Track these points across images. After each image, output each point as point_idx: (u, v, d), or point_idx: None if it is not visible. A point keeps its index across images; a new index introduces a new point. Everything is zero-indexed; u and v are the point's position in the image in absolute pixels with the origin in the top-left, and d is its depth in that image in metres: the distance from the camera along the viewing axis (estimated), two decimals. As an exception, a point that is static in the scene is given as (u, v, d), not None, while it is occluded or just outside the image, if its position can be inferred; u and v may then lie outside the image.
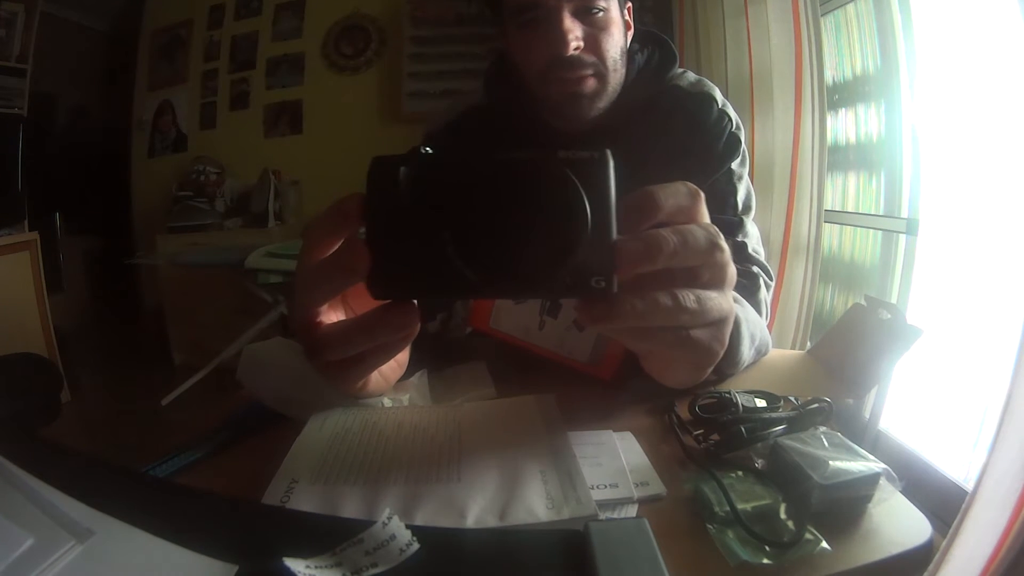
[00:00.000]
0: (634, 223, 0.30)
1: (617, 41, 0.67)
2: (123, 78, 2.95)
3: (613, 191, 0.28)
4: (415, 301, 0.32)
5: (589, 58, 0.65)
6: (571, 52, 0.63)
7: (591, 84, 0.66)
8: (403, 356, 0.43)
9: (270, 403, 0.50)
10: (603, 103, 0.68)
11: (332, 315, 0.36)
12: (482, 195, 0.27)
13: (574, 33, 0.63)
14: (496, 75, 0.76)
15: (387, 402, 0.50)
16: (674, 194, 0.31)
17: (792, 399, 0.49)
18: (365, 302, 0.35)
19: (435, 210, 0.28)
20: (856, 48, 1.44)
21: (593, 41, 0.65)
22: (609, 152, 0.28)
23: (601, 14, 0.65)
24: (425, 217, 0.28)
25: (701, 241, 0.31)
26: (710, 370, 0.36)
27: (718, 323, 0.33)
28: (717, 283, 0.32)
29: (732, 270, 0.33)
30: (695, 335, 0.32)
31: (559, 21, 0.63)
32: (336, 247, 0.32)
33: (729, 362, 0.54)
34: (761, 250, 0.75)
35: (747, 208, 0.74)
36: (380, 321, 0.32)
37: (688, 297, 0.31)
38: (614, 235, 0.28)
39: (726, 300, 0.33)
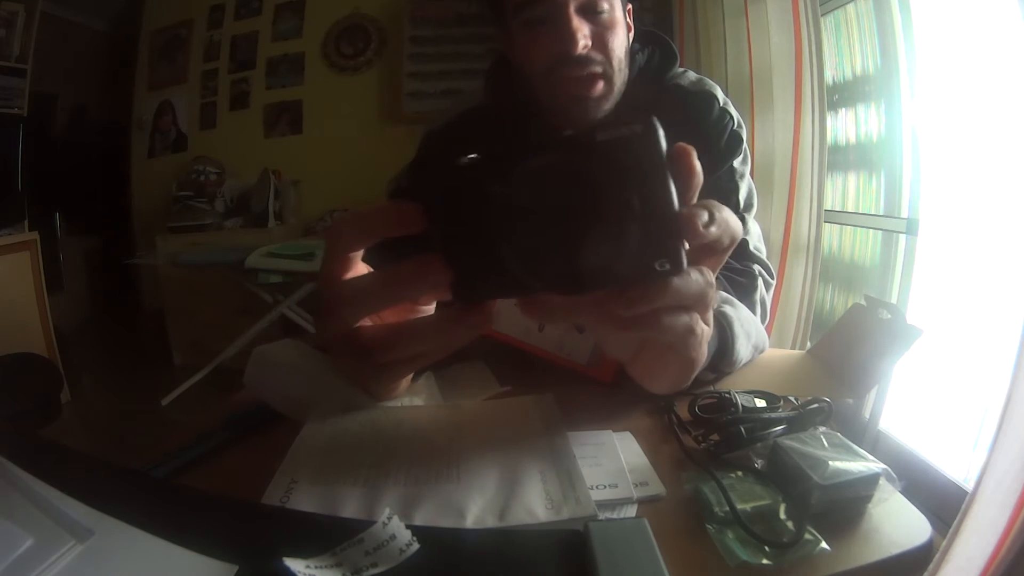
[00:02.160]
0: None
1: (622, 41, 0.67)
2: (123, 78, 2.95)
3: (664, 163, 0.26)
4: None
5: (597, 56, 0.64)
6: (580, 51, 0.62)
7: (599, 87, 0.66)
8: None
9: (277, 406, 0.49)
10: (608, 105, 0.68)
11: (369, 317, 0.35)
12: (526, 208, 0.27)
13: (582, 31, 0.62)
14: (497, 75, 0.76)
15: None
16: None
17: (792, 399, 0.49)
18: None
19: (488, 223, 0.27)
20: (856, 48, 1.44)
21: (600, 40, 0.64)
22: (655, 120, 0.26)
23: (606, 14, 0.64)
24: (483, 229, 0.27)
25: (737, 225, 0.30)
26: (694, 374, 0.36)
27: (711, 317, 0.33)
28: (715, 267, 0.32)
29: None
30: (700, 329, 0.32)
31: (567, 19, 0.62)
32: (360, 258, 0.32)
33: (727, 361, 0.54)
34: (762, 247, 0.75)
35: (748, 206, 0.74)
36: (458, 320, 0.31)
37: (711, 275, 0.30)
38: (674, 212, 0.26)
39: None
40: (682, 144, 0.27)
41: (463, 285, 0.29)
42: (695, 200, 0.28)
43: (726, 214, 0.29)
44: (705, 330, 0.32)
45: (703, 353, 0.33)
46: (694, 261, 0.29)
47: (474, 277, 0.29)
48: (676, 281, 0.28)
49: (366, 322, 0.35)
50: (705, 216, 0.27)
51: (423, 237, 0.29)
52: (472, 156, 0.28)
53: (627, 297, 0.28)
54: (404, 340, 0.33)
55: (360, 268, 0.34)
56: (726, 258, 0.32)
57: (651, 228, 0.26)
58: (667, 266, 0.27)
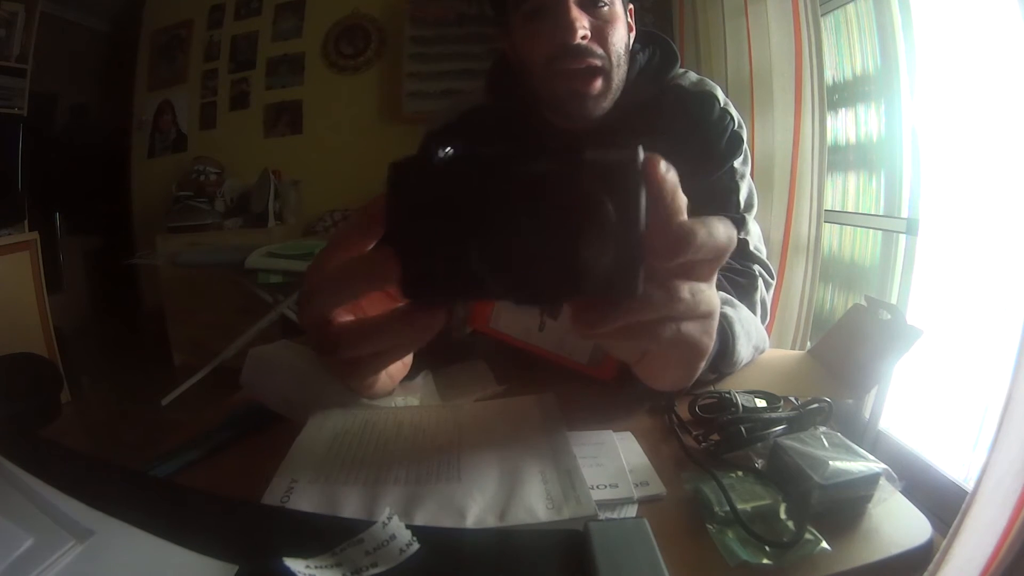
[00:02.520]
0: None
1: (621, 36, 0.67)
2: (123, 78, 2.95)
3: (642, 192, 0.27)
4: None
5: (596, 49, 0.65)
6: (578, 40, 0.63)
7: (598, 84, 0.66)
8: (409, 356, 0.43)
9: (274, 406, 0.49)
10: (607, 102, 0.68)
11: (345, 312, 0.35)
12: (506, 207, 0.27)
13: (581, 22, 0.63)
14: (498, 75, 0.76)
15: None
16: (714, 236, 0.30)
17: (792, 399, 0.49)
18: (377, 300, 0.35)
19: (460, 219, 0.27)
20: (856, 48, 1.44)
21: (599, 33, 0.65)
22: (640, 149, 0.27)
23: (606, 8, 0.65)
24: (450, 224, 0.27)
25: (723, 238, 0.30)
26: (700, 370, 0.36)
27: (708, 316, 0.33)
28: (707, 276, 0.32)
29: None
30: (685, 330, 0.32)
31: (566, 9, 0.63)
32: (359, 249, 0.33)
33: (727, 361, 0.54)
34: (762, 247, 0.75)
35: (749, 206, 0.74)
36: (406, 320, 0.31)
37: (683, 288, 0.30)
38: (641, 239, 0.27)
39: (714, 294, 0.33)
40: (650, 155, 0.28)
41: (412, 283, 0.29)
42: (669, 205, 0.29)
43: (708, 231, 0.29)
44: (694, 329, 0.32)
45: (707, 346, 0.33)
46: (685, 272, 0.30)
47: (426, 276, 0.29)
48: (640, 302, 0.29)
49: (349, 317, 0.35)
50: (673, 245, 0.28)
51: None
52: (447, 151, 0.28)
53: (584, 320, 0.29)
54: (359, 336, 0.33)
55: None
56: (721, 264, 0.32)
57: (616, 251, 0.27)
58: (623, 289, 0.28)
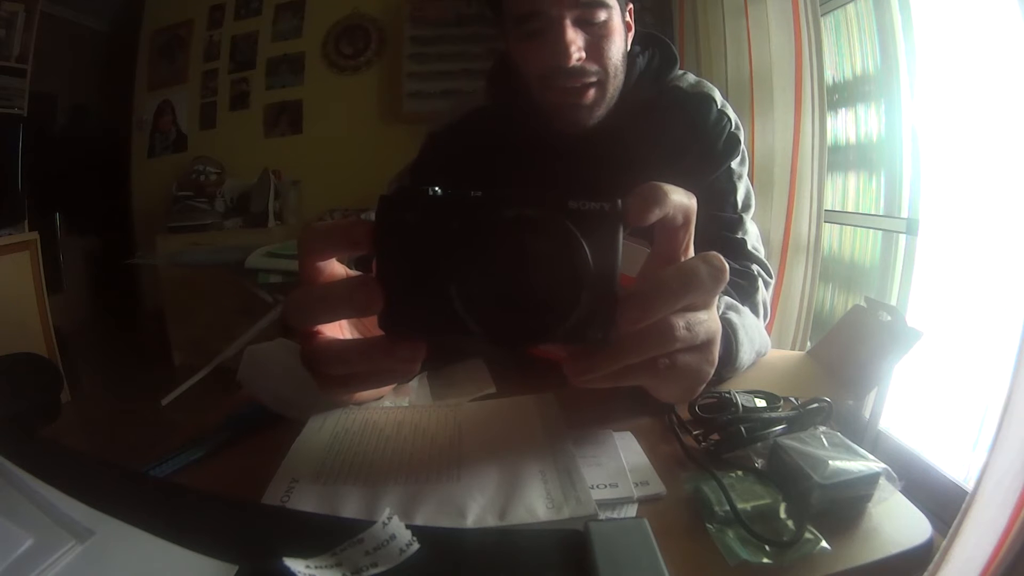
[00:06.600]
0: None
1: (618, 48, 0.67)
2: (123, 78, 2.95)
3: (620, 244, 0.28)
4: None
5: (591, 67, 0.65)
6: (573, 63, 0.63)
7: (591, 94, 0.66)
8: None
9: (270, 404, 0.50)
10: (602, 110, 0.68)
11: (333, 328, 0.35)
12: (487, 253, 0.28)
13: (576, 44, 0.63)
14: (499, 76, 0.76)
15: (388, 404, 0.50)
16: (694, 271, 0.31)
17: (792, 399, 0.49)
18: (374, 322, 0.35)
19: (442, 260, 0.28)
20: (856, 48, 1.44)
21: (595, 50, 0.65)
22: (620, 202, 0.28)
23: (603, 22, 0.65)
24: (433, 264, 0.28)
25: (705, 279, 0.30)
26: (703, 384, 0.36)
27: (707, 344, 0.33)
28: (707, 305, 0.32)
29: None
30: (684, 362, 0.32)
31: (561, 32, 0.62)
32: (336, 262, 0.33)
33: (730, 367, 0.54)
34: (760, 247, 0.75)
35: (747, 206, 0.74)
36: (385, 352, 0.31)
37: (678, 324, 0.31)
38: (617, 290, 0.28)
39: (713, 319, 0.33)
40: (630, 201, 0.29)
41: (392, 315, 0.30)
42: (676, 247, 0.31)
43: (680, 284, 0.30)
44: (693, 360, 0.32)
45: (708, 373, 0.34)
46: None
47: (406, 309, 0.29)
48: (630, 344, 0.30)
49: (338, 333, 0.35)
50: (640, 309, 0.29)
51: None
52: (435, 190, 0.29)
53: (577, 368, 0.30)
54: (337, 358, 0.33)
55: (328, 276, 0.33)
56: (717, 294, 0.32)
57: (592, 299, 0.28)
58: (594, 337, 0.29)
